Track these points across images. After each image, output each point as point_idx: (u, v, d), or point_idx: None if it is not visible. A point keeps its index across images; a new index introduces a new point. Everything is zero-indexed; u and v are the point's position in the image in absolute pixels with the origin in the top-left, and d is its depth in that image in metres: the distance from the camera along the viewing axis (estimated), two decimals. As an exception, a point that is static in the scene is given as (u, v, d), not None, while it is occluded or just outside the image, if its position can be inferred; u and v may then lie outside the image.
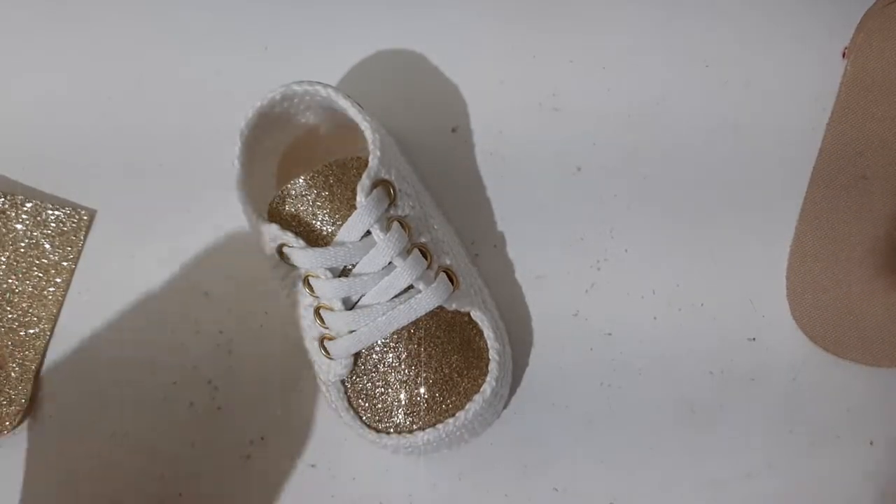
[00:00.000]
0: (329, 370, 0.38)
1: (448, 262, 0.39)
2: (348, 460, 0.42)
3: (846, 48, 0.43)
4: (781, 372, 0.41)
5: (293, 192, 0.37)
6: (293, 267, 0.38)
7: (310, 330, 0.39)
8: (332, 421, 0.42)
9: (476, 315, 0.39)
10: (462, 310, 0.39)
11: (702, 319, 0.42)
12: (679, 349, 0.42)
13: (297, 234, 0.37)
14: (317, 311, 0.38)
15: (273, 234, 0.37)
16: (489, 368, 0.38)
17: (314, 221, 0.37)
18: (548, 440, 0.41)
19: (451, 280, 0.39)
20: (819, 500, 0.40)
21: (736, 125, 0.44)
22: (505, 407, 0.41)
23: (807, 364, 0.41)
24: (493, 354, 0.39)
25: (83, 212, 0.45)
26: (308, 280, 0.38)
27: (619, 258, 0.43)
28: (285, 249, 0.37)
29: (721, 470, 0.40)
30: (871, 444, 0.40)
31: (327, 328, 0.38)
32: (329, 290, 0.37)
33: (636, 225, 0.43)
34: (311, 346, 0.39)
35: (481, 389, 0.38)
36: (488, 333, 0.39)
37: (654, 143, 0.44)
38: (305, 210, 0.37)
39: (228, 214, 0.44)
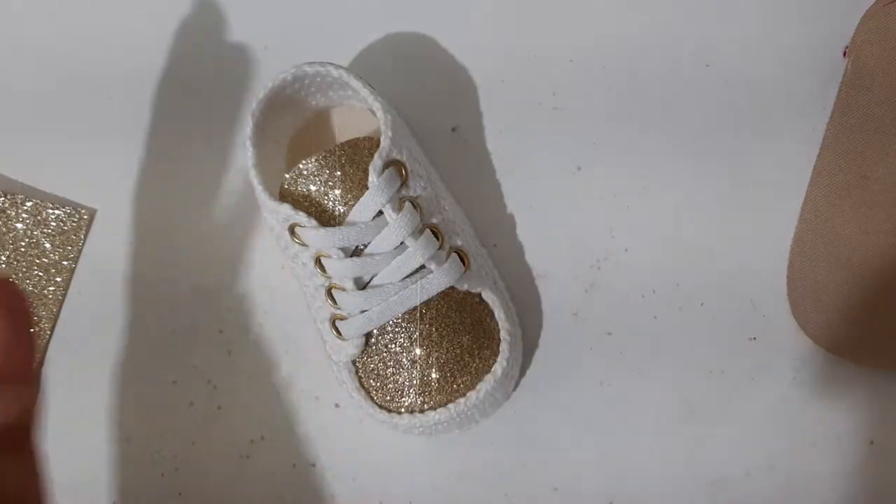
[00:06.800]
0: (340, 351, 0.38)
1: (459, 242, 0.40)
2: (348, 460, 0.42)
3: (846, 48, 0.43)
4: (781, 372, 0.41)
5: (305, 173, 0.37)
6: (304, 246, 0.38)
7: (321, 310, 0.39)
8: (332, 421, 0.42)
9: (487, 296, 0.39)
10: (473, 290, 0.39)
11: (702, 319, 0.42)
12: (679, 349, 0.42)
13: (309, 214, 0.37)
14: (328, 291, 0.38)
15: (285, 213, 0.37)
16: (500, 349, 0.39)
17: (326, 202, 0.37)
18: (548, 440, 0.41)
19: (462, 261, 0.39)
20: (819, 500, 0.40)
21: (736, 125, 0.44)
22: (515, 388, 0.41)
23: (807, 364, 0.41)
24: (504, 335, 0.39)
25: (83, 211, 0.45)
26: (320, 260, 0.38)
27: (619, 258, 0.43)
28: (297, 229, 0.37)
29: (721, 470, 0.40)
30: (872, 443, 0.40)
31: (339, 308, 0.38)
32: (341, 269, 0.37)
33: (636, 225, 0.43)
34: (322, 326, 0.39)
35: (492, 370, 0.38)
36: (499, 314, 0.39)
37: (655, 142, 0.44)
38: (317, 190, 0.37)
39: (228, 214, 0.44)
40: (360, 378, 0.39)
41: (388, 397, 0.38)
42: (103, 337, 0.44)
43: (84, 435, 0.43)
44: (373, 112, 0.40)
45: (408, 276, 0.37)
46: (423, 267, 0.38)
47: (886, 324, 0.39)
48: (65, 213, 0.45)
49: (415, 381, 0.38)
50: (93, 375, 0.43)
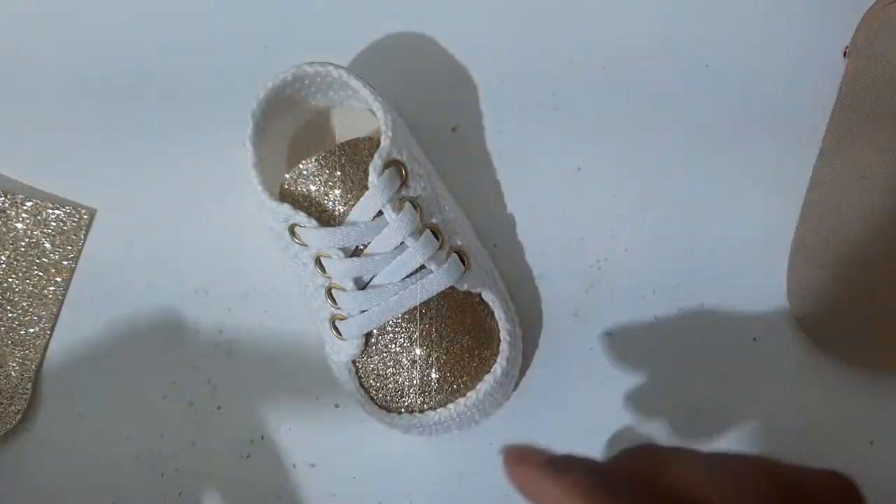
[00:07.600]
0: (340, 351, 0.38)
1: (459, 242, 0.40)
2: (348, 460, 0.42)
3: (846, 48, 0.43)
4: (781, 372, 0.41)
5: (305, 173, 0.37)
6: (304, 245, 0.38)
7: (321, 310, 0.39)
8: (332, 421, 0.42)
9: (487, 296, 0.39)
10: (473, 290, 0.39)
11: (702, 319, 0.42)
12: (679, 349, 0.42)
13: (309, 214, 0.37)
14: (328, 291, 0.38)
15: (285, 213, 0.37)
16: (500, 349, 0.39)
17: (326, 202, 0.37)
18: (547, 441, 0.41)
19: (462, 261, 0.39)
20: (819, 500, 0.40)
21: (735, 125, 0.44)
22: (515, 388, 0.41)
23: (807, 364, 0.41)
24: (503, 335, 0.39)
25: (83, 211, 0.45)
26: (320, 260, 0.38)
27: (619, 258, 0.43)
28: (297, 229, 0.37)
29: (721, 470, 0.40)
30: (872, 444, 0.40)
31: (339, 308, 0.38)
32: (341, 269, 0.37)
33: (636, 225, 0.43)
34: (322, 326, 0.39)
35: (492, 370, 0.38)
36: (499, 314, 0.39)
37: (654, 142, 0.44)
38: (317, 190, 0.37)
39: (228, 214, 0.44)
40: (360, 378, 0.39)
41: (388, 397, 0.39)
42: (103, 337, 0.44)
43: (84, 435, 0.43)
44: (373, 112, 0.40)
45: (408, 276, 0.37)
46: (423, 267, 0.38)
47: (886, 324, 0.39)
48: (65, 213, 0.45)
49: (415, 381, 0.38)
50: (93, 375, 0.43)
